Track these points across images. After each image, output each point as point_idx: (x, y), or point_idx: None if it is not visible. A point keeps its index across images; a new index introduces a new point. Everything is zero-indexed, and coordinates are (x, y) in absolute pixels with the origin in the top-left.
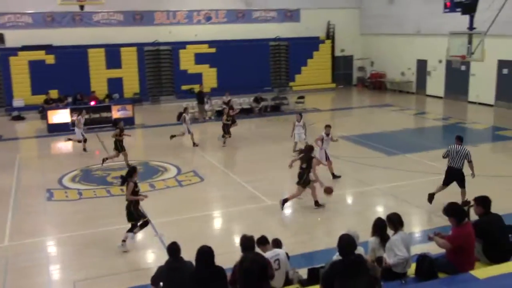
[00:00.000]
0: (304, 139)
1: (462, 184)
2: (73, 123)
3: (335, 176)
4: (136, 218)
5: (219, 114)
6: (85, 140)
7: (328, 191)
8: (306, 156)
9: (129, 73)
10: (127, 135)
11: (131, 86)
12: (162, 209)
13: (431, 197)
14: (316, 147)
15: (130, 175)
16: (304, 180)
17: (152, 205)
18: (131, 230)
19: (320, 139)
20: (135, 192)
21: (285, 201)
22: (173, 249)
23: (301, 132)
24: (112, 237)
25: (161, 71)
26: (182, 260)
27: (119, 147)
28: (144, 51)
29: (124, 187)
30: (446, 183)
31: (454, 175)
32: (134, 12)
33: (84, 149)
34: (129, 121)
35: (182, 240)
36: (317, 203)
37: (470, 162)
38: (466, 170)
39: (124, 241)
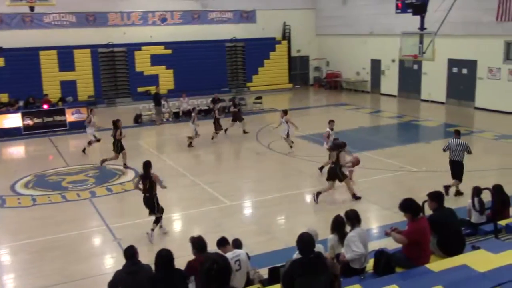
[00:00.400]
0: (289, 135)
1: (460, 178)
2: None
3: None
4: (160, 209)
5: (176, 115)
6: (98, 140)
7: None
8: (337, 152)
9: (83, 76)
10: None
11: (85, 88)
12: (120, 213)
13: (446, 189)
14: (328, 142)
15: (147, 169)
16: (337, 175)
17: (109, 209)
18: (157, 222)
19: (327, 135)
20: (144, 185)
21: (318, 194)
22: (130, 252)
23: (285, 128)
24: (69, 243)
25: (116, 73)
26: (139, 264)
27: (118, 148)
28: (98, 53)
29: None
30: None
31: (455, 167)
32: (87, 14)
33: (84, 150)
34: (83, 125)
35: (141, 243)
36: (354, 196)
37: (470, 153)
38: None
39: (152, 230)
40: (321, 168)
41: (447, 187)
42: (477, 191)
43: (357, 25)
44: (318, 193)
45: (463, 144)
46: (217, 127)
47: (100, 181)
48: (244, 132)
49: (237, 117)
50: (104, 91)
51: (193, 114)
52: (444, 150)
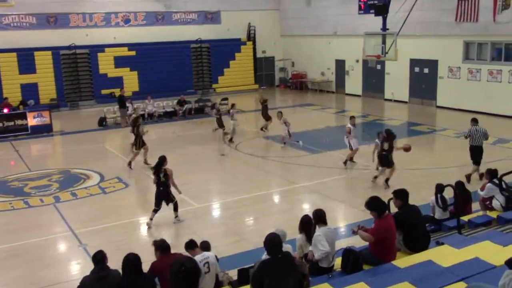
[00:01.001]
0: (290, 135)
1: (479, 161)
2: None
3: (347, 163)
4: (173, 199)
5: (142, 118)
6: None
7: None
8: (390, 140)
9: (45, 78)
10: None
11: (47, 91)
12: (86, 218)
13: (468, 178)
14: (349, 137)
15: (161, 164)
16: (389, 161)
17: (75, 214)
18: (176, 209)
19: (349, 131)
20: (158, 179)
21: (387, 180)
22: (99, 257)
23: (285, 129)
24: (34, 250)
25: (79, 75)
26: (108, 269)
27: (139, 144)
28: (60, 55)
29: None
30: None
31: (476, 152)
32: (48, 15)
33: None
34: (46, 128)
35: (108, 248)
36: (387, 181)
37: (487, 139)
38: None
39: (177, 217)
40: (345, 162)
41: (468, 176)
42: (440, 188)
43: (321, 26)
44: (387, 179)
45: (482, 130)
46: (221, 125)
47: (64, 186)
48: (230, 140)
49: (220, 123)
50: (66, 94)
51: (232, 110)
52: (466, 137)
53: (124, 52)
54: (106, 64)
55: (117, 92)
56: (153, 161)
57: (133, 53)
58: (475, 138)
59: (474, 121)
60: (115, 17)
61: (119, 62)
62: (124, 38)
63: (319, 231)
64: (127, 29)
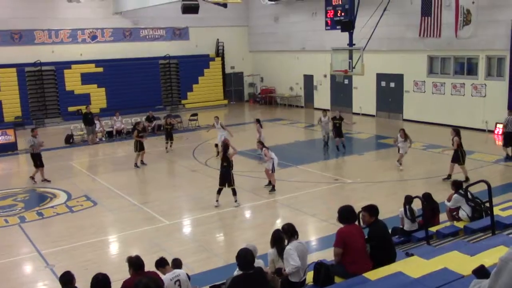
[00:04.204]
0: (223, 140)
1: None
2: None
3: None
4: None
5: (109, 135)
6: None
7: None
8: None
9: (9, 96)
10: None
11: (11, 109)
12: (53, 238)
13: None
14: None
15: (226, 150)
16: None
17: (41, 235)
18: (235, 193)
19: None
20: (223, 161)
21: (467, 179)
22: (67, 279)
23: (222, 134)
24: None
25: (45, 92)
26: None
27: (137, 147)
28: (25, 72)
29: None
30: (507, 144)
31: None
32: (12, 31)
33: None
34: (10, 147)
35: (76, 269)
36: (450, 176)
37: None
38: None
39: (236, 201)
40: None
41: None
42: (408, 200)
43: (289, 41)
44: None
45: None
46: (169, 137)
47: (30, 206)
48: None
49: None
50: (32, 112)
51: (219, 123)
52: (505, 126)
53: (91, 68)
54: (72, 81)
55: (83, 109)
56: (117, 176)
57: (100, 69)
58: (510, 125)
59: (510, 110)
60: (81, 34)
61: (86, 78)
62: (91, 54)
63: (290, 245)
64: (94, 46)
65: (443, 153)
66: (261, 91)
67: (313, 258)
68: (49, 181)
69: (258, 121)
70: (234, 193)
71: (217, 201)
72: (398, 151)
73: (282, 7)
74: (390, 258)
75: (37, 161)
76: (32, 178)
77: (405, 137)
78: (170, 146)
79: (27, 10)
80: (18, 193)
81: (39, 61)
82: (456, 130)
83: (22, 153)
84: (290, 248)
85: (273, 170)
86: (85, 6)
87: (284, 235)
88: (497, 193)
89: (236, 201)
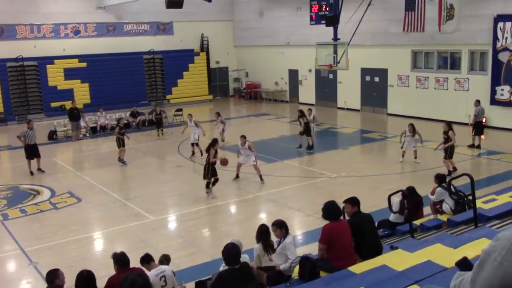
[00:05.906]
0: (197, 140)
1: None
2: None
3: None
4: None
5: (93, 130)
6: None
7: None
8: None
9: None
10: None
11: None
12: (36, 235)
13: None
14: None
15: (213, 145)
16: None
17: (24, 232)
18: (207, 186)
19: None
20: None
21: (449, 173)
22: (52, 276)
23: (195, 132)
24: None
25: (27, 88)
26: None
27: (120, 143)
28: (6, 67)
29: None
30: (477, 133)
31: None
32: None
33: None
34: None
35: (61, 266)
36: (455, 169)
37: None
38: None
39: (208, 193)
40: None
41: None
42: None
43: (274, 36)
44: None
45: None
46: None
47: (13, 203)
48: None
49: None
50: (14, 107)
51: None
52: (476, 116)
53: (74, 63)
54: (55, 76)
55: (68, 104)
56: (103, 174)
57: (83, 64)
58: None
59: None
60: (64, 29)
61: (69, 74)
62: (74, 49)
63: (289, 238)
64: (77, 41)
65: (439, 149)
66: (246, 86)
67: (298, 252)
68: (43, 171)
69: (218, 114)
70: (207, 186)
71: (207, 192)
72: (401, 147)
73: (266, 1)
74: (376, 251)
75: (36, 152)
76: (40, 169)
77: (413, 132)
78: (162, 134)
79: (9, 4)
80: (0, 190)
81: (21, 56)
82: (449, 124)
83: (4, 149)
84: (290, 241)
85: (255, 161)
86: (68, 1)
87: (278, 230)
88: (480, 186)
89: (207, 193)
